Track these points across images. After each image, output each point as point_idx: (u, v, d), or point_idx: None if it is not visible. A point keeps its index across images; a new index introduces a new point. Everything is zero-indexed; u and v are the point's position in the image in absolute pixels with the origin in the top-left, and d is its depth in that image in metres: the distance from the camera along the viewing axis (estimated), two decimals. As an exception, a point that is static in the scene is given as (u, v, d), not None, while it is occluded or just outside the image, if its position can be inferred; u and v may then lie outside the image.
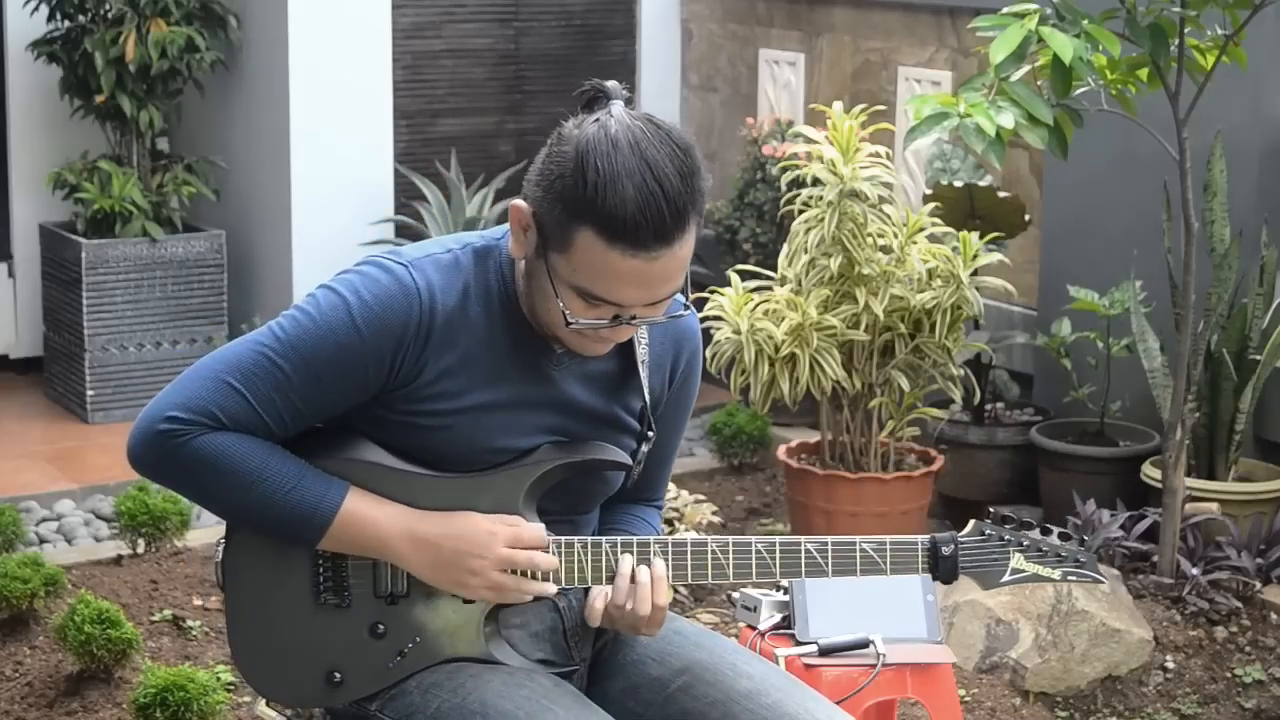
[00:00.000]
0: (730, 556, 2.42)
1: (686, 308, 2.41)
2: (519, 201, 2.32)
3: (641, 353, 2.48)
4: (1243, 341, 4.67)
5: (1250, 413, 4.69)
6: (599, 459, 2.47)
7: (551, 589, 2.40)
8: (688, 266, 2.31)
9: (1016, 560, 2.46)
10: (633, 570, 2.41)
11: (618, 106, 2.29)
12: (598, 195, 2.21)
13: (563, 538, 2.42)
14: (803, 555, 2.42)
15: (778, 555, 2.43)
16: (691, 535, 2.46)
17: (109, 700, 3.79)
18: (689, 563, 2.42)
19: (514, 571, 2.39)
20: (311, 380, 2.32)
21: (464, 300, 2.37)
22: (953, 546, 2.44)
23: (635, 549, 2.42)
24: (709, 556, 2.42)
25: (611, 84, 2.32)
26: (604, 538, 2.44)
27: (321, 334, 2.31)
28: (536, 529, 2.40)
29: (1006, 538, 2.46)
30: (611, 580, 2.42)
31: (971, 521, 2.50)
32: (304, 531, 2.36)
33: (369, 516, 2.37)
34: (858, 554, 2.43)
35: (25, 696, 3.82)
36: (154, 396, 2.36)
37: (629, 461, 2.49)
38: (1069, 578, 2.48)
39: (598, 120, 2.26)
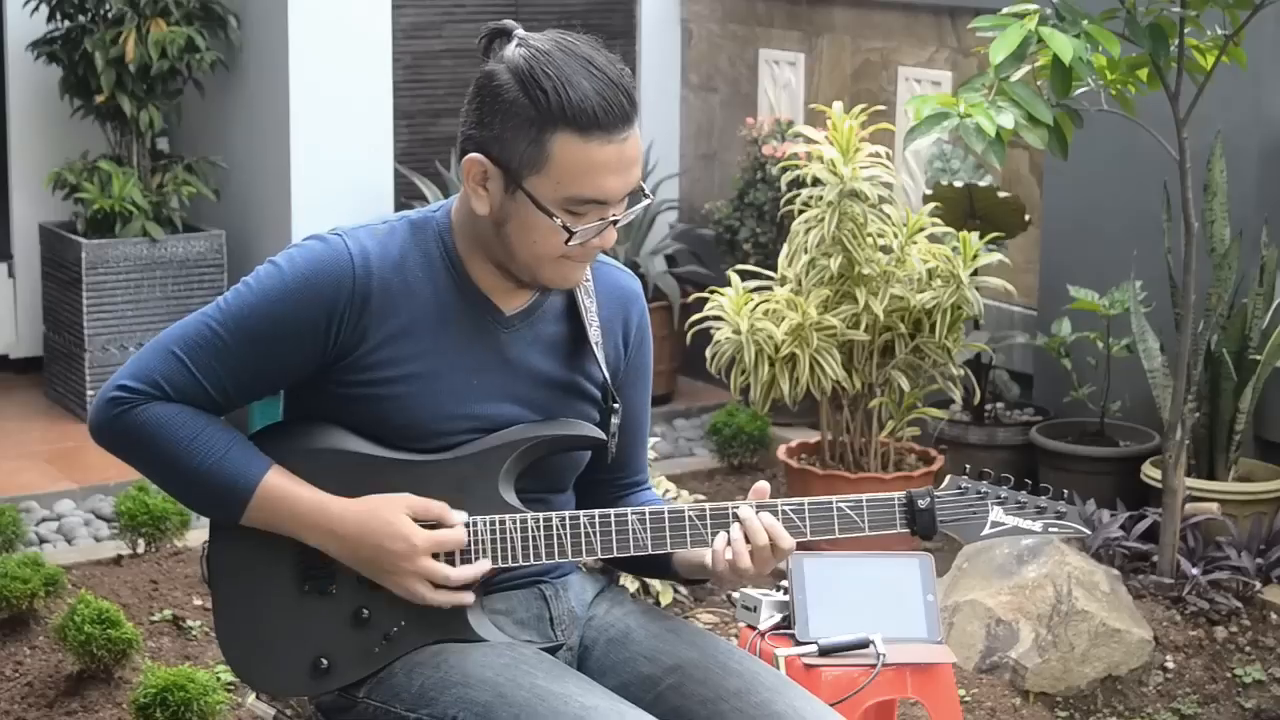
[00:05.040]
0: (708, 522, 2.42)
1: (647, 195, 2.48)
2: (471, 155, 2.36)
3: (591, 321, 2.51)
4: (1243, 341, 4.67)
5: (1250, 413, 4.69)
6: (573, 435, 2.48)
7: (469, 598, 2.42)
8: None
9: (996, 513, 2.47)
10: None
11: (522, 32, 2.38)
12: (561, 98, 2.30)
13: (540, 514, 2.43)
14: (780, 519, 2.42)
15: None
16: (670, 504, 2.45)
17: (109, 700, 3.79)
18: (667, 529, 2.41)
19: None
20: (249, 346, 2.39)
21: (402, 266, 2.41)
22: (929, 500, 2.44)
23: (614, 520, 2.41)
24: (687, 524, 2.42)
25: (506, 21, 2.41)
26: (582, 512, 2.44)
27: (257, 301, 2.39)
28: (457, 535, 2.40)
29: (984, 491, 2.47)
30: (614, 550, 2.42)
31: (948, 477, 2.50)
32: (228, 505, 2.41)
33: (288, 496, 2.40)
34: (835, 514, 2.43)
35: (25, 696, 3.82)
36: None
37: (603, 436, 2.50)
38: (1050, 529, 2.49)
39: (517, 45, 2.36)
